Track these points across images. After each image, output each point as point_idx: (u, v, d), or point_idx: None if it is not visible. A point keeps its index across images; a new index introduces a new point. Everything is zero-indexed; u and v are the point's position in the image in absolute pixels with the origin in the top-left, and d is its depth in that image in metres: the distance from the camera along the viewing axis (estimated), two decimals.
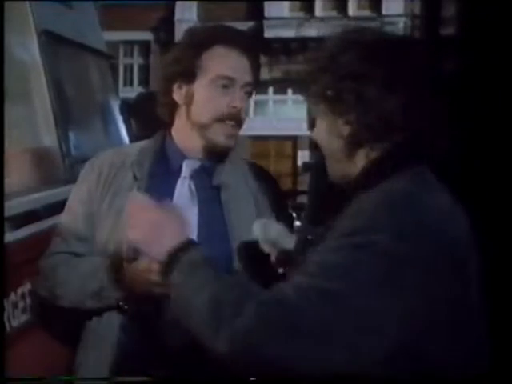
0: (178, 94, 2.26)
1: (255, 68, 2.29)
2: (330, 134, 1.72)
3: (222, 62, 2.24)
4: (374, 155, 1.70)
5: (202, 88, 2.24)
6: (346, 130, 1.69)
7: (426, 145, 1.69)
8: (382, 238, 1.51)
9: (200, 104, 2.24)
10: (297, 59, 19.46)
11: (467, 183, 1.80)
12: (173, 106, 2.29)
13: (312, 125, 1.81)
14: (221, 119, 2.23)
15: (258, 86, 2.36)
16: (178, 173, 2.29)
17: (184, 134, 2.30)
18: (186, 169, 2.29)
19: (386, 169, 1.67)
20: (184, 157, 2.30)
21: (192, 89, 2.25)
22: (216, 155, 2.30)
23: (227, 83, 2.23)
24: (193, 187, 2.28)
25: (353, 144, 1.70)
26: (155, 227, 1.72)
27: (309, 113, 1.81)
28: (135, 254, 2.11)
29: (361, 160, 1.72)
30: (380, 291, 1.49)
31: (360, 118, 1.67)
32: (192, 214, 2.25)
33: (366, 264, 1.49)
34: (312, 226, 1.85)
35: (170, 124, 2.33)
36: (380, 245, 1.50)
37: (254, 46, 2.34)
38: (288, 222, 2.41)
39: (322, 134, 1.75)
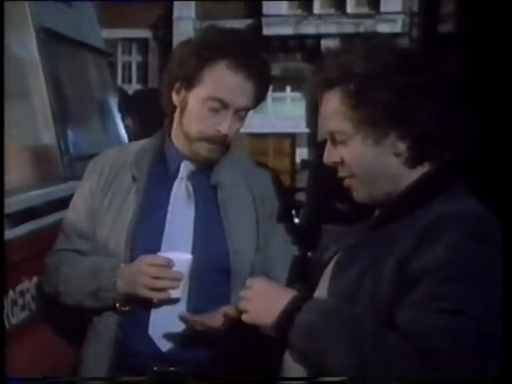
0: (176, 97, 2.24)
1: (259, 93, 2.22)
2: (383, 153, 1.69)
3: (221, 82, 2.16)
4: (426, 169, 1.70)
5: (195, 102, 2.19)
6: (401, 145, 1.67)
7: (470, 157, 1.70)
8: (499, 263, 1.57)
9: (190, 117, 2.21)
10: (295, 57, 19.47)
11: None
12: (173, 105, 2.28)
13: (324, 148, 1.77)
14: (206, 139, 2.21)
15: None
16: (176, 173, 2.28)
17: (178, 136, 2.29)
18: (184, 169, 2.28)
19: (442, 183, 1.68)
20: (182, 157, 2.29)
21: (188, 97, 2.21)
22: (208, 159, 2.29)
23: (219, 106, 2.17)
24: (190, 188, 2.27)
25: (414, 160, 1.68)
26: (265, 301, 1.73)
27: (331, 138, 1.75)
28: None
29: (410, 175, 1.70)
30: (502, 306, 1.56)
31: (426, 132, 1.65)
32: (189, 215, 2.26)
33: (495, 289, 1.56)
34: (354, 230, 1.82)
35: (171, 123, 2.32)
36: (498, 270, 1.57)
37: (263, 71, 2.22)
38: (290, 226, 2.40)
39: (366, 155, 1.70)
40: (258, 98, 2.23)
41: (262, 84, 2.22)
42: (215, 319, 2.06)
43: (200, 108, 2.19)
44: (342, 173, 1.75)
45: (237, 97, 2.17)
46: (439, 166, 1.70)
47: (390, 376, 1.51)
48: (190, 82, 2.19)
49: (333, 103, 1.72)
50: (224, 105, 2.17)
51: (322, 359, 1.59)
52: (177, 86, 2.23)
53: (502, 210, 1.73)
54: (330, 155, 1.75)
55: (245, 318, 1.75)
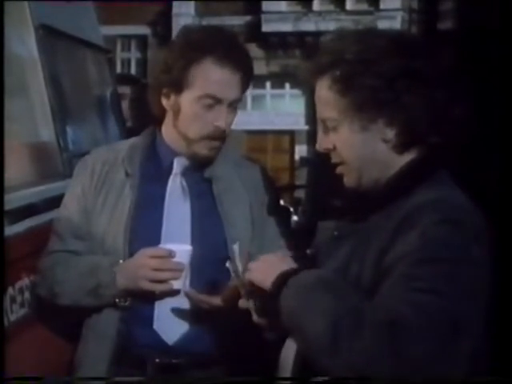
0: (165, 101, 2.26)
1: (244, 82, 2.25)
2: (371, 139, 1.70)
3: (210, 79, 2.20)
4: (412, 157, 1.71)
5: (188, 103, 2.22)
6: (389, 132, 1.68)
7: (459, 145, 1.71)
8: (473, 247, 1.57)
9: (186, 119, 2.23)
10: (294, 53, 19.45)
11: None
12: (162, 107, 2.29)
13: (319, 138, 1.78)
14: (206, 137, 2.23)
15: (255, 80, 2.34)
16: (169, 169, 2.30)
17: (172, 136, 2.30)
18: (177, 165, 2.30)
19: (426, 172, 1.69)
20: (175, 154, 2.31)
21: (179, 100, 2.23)
22: (207, 158, 2.31)
23: (212, 103, 2.20)
24: (184, 183, 2.29)
25: (402, 146, 1.69)
26: (269, 265, 1.77)
27: (323, 125, 1.76)
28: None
29: (398, 163, 1.71)
30: (479, 296, 1.58)
31: (414, 117, 1.65)
32: (185, 209, 2.27)
33: (470, 273, 1.56)
34: (337, 223, 1.84)
35: (161, 121, 2.33)
36: (472, 254, 1.57)
37: (246, 60, 2.28)
38: (282, 214, 2.43)
39: (355, 140, 1.71)
40: (245, 88, 2.28)
41: (247, 73, 2.26)
42: (220, 297, 2.09)
43: (194, 108, 2.21)
44: (334, 160, 1.77)
45: (228, 90, 2.21)
46: (424, 154, 1.71)
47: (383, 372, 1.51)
48: (178, 86, 2.21)
49: (323, 90, 1.74)
50: (217, 100, 2.20)
51: (302, 321, 1.61)
52: (165, 90, 2.24)
53: (488, 200, 1.75)
54: (322, 142, 1.77)
55: (248, 275, 1.81)
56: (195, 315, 2.21)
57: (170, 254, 2.13)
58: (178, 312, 2.20)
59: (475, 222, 1.61)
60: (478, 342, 1.56)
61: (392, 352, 1.49)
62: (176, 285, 2.16)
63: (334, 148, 1.75)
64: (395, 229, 1.61)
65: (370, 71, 1.65)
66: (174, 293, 2.18)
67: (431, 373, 1.50)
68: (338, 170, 1.77)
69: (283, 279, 1.69)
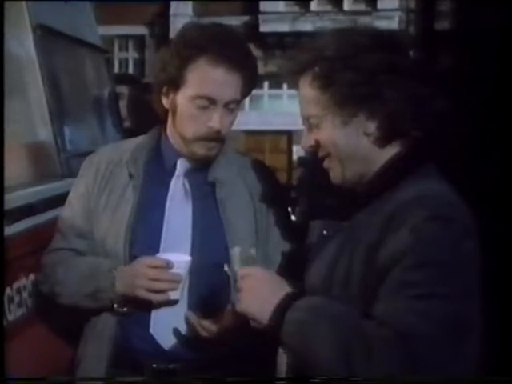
0: (165, 100, 2.26)
1: (245, 83, 2.22)
2: (353, 133, 1.70)
3: (205, 79, 2.17)
4: (396, 151, 1.71)
5: (183, 103, 2.20)
6: (371, 125, 1.69)
7: (444, 138, 1.72)
8: (465, 243, 1.58)
9: (183, 119, 2.22)
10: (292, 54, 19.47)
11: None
12: (164, 107, 2.29)
13: (305, 134, 1.78)
14: (202, 138, 2.21)
15: (256, 85, 2.30)
16: (172, 171, 2.29)
17: (174, 136, 2.30)
18: (181, 167, 2.29)
19: (411, 166, 1.69)
20: (178, 155, 2.29)
21: (176, 99, 2.22)
22: (206, 158, 2.30)
23: (207, 103, 2.17)
24: (187, 185, 2.28)
25: (383, 139, 1.70)
26: (261, 298, 1.73)
27: (308, 122, 1.76)
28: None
29: (381, 157, 1.72)
30: (476, 292, 1.58)
31: (395, 110, 1.66)
32: (187, 212, 2.26)
33: (465, 270, 1.57)
34: (325, 222, 1.85)
35: (165, 121, 2.32)
36: (465, 250, 1.57)
37: (246, 60, 2.23)
38: (287, 220, 2.41)
39: (337, 135, 1.71)
40: (246, 89, 2.24)
41: (247, 74, 2.21)
42: (220, 324, 2.09)
43: (189, 108, 2.20)
44: (320, 154, 1.77)
45: (222, 91, 2.18)
46: (407, 148, 1.72)
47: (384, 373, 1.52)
48: (175, 84, 2.20)
49: (305, 88, 1.75)
50: (211, 101, 2.18)
51: (311, 354, 1.61)
52: (164, 89, 2.24)
53: (475, 193, 1.75)
54: (306, 140, 1.78)
55: (239, 308, 1.76)
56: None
57: (168, 265, 2.13)
58: (175, 317, 2.19)
59: (464, 217, 1.62)
60: (481, 340, 1.57)
61: (407, 362, 1.50)
62: (173, 295, 2.16)
63: (318, 144, 1.75)
64: (384, 225, 1.62)
65: (349, 66, 1.66)
66: (171, 303, 2.17)
67: (445, 375, 1.51)
68: (325, 164, 1.78)
69: (280, 315, 1.67)
